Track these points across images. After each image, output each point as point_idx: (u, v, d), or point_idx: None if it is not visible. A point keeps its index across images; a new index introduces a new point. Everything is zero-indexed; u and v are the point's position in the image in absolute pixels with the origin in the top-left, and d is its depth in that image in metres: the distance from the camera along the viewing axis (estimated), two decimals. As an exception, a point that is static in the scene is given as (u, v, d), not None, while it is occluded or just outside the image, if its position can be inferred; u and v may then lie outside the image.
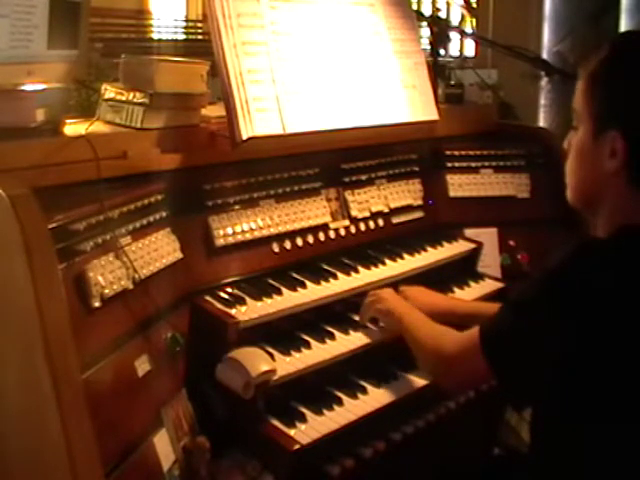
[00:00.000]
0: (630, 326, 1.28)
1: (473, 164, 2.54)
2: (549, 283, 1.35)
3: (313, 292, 1.90)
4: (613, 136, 1.33)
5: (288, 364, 1.72)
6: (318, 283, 1.93)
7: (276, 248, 1.97)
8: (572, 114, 1.45)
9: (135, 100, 1.84)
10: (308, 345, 1.79)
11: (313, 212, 2.07)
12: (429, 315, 1.82)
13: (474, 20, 3.74)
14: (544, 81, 3.10)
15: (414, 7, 3.25)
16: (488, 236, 2.45)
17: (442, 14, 3.87)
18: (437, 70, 2.61)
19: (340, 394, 1.76)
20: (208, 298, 1.78)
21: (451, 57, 3.58)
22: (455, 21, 3.78)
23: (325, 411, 1.68)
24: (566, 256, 1.35)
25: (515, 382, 1.42)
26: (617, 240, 1.35)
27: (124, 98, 1.86)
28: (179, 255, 1.73)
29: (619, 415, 1.29)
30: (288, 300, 1.84)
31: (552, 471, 1.40)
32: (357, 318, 1.94)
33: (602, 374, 1.29)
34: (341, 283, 1.97)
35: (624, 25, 3.43)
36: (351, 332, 1.88)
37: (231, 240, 1.87)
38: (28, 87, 1.66)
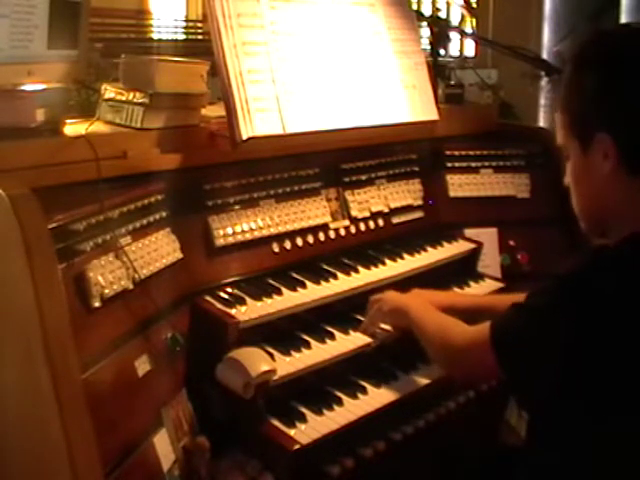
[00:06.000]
0: None
1: (473, 164, 2.54)
2: (562, 290, 1.35)
3: (313, 292, 1.90)
4: (600, 139, 1.34)
5: (288, 364, 1.72)
6: (318, 283, 1.93)
7: (276, 248, 1.97)
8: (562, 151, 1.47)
9: (135, 100, 1.84)
10: (308, 345, 1.79)
11: (313, 212, 2.07)
12: None
13: (474, 20, 3.75)
14: (544, 81, 3.10)
15: (414, 7, 3.26)
16: (488, 236, 2.45)
17: (442, 14, 3.87)
18: (437, 70, 2.60)
19: (340, 394, 1.76)
20: (208, 298, 1.78)
21: (451, 57, 3.58)
22: (455, 21, 3.78)
23: (325, 411, 1.68)
24: (580, 264, 1.35)
25: (523, 383, 1.42)
26: (629, 247, 1.34)
27: (124, 98, 1.87)
28: (179, 255, 1.74)
29: (627, 422, 1.30)
30: (288, 300, 1.84)
31: (549, 469, 1.40)
32: (362, 321, 1.92)
33: (614, 380, 1.29)
34: (341, 283, 1.97)
35: (624, 25, 3.43)
36: (351, 332, 1.88)
37: (231, 240, 1.87)
38: (28, 87, 1.66)
